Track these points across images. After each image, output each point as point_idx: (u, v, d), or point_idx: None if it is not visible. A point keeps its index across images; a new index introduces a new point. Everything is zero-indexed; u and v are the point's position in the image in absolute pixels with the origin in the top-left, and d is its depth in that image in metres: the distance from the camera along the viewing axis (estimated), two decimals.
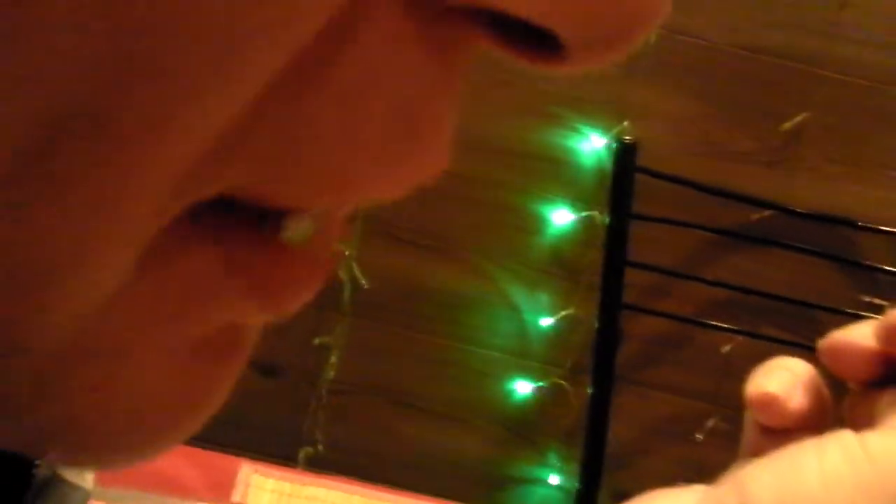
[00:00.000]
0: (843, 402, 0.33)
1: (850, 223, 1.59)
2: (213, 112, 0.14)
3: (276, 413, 1.80)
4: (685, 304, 1.71)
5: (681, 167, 1.64)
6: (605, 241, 1.40)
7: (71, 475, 0.41)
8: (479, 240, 1.75)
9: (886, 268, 1.51)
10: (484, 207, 1.72)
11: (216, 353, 0.18)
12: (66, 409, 0.16)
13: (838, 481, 0.27)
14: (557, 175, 1.71)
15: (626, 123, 1.68)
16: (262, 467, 0.85)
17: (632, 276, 1.43)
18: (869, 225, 1.52)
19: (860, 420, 0.31)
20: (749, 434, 0.33)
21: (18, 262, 0.14)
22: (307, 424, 1.83)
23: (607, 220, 1.40)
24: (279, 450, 1.79)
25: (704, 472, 0.32)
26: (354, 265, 1.72)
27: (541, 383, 1.81)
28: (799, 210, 1.56)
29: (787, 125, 1.68)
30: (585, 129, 1.69)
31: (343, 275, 1.70)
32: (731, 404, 1.76)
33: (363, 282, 1.74)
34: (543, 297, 1.77)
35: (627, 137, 1.38)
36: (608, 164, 1.61)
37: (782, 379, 0.32)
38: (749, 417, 0.33)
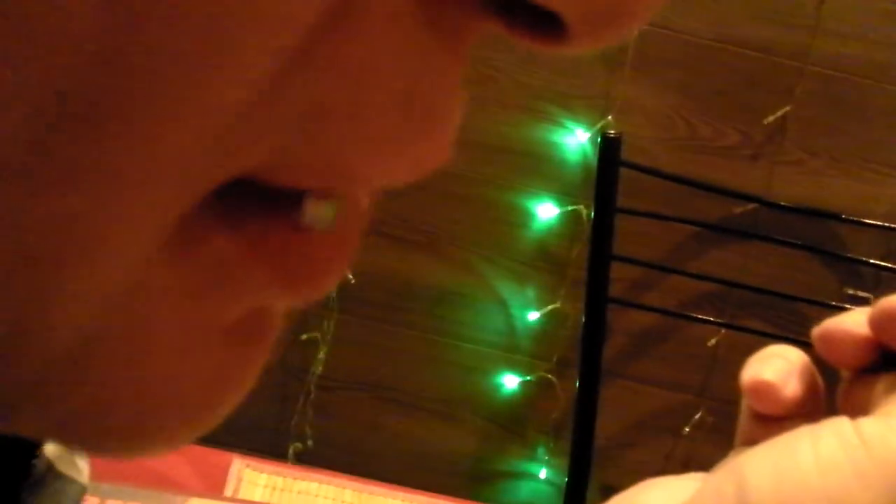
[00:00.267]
0: (836, 390, 0.33)
1: (833, 216, 1.61)
2: (225, 93, 0.14)
3: (264, 409, 1.80)
4: (671, 298, 1.72)
5: (665, 161, 1.65)
6: (591, 236, 1.40)
7: (67, 469, 0.41)
8: (466, 235, 1.75)
9: (869, 260, 1.52)
10: (470, 202, 1.73)
11: (243, 338, 0.18)
12: (95, 393, 0.16)
13: (834, 466, 0.27)
14: (542, 170, 1.72)
15: (610, 118, 1.68)
16: (254, 462, 0.85)
17: (617, 270, 1.44)
18: (852, 218, 1.53)
19: (854, 407, 0.31)
20: (744, 422, 0.33)
21: (37, 247, 0.14)
22: (296, 420, 1.83)
23: (592, 214, 1.40)
24: (268, 446, 1.79)
25: (692, 464, 0.32)
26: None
27: (528, 377, 1.81)
28: (782, 203, 1.57)
29: (770, 119, 1.69)
30: (570, 124, 1.70)
31: None
32: (718, 397, 1.77)
33: (350, 277, 1.74)
34: (530, 292, 1.78)
35: (612, 132, 1.38)
36: (593, 158, 1.61)
37: (777, 366, 0.32)
38: (744, 405, 0.33)
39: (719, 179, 1.62)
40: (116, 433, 0.17)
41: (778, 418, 0.32)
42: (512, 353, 1.81)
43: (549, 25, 0.17)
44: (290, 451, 1.82)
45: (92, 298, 0.15)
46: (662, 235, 1.71)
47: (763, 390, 0.32)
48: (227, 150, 0.15)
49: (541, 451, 1.85)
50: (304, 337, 1.77)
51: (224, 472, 0.83)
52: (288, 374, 1.80)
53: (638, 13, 0.16)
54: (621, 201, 1.38)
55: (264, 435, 1.81)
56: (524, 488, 1.86)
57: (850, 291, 1.71)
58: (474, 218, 1.74)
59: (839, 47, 1.66)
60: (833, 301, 1.44)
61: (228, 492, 0.81)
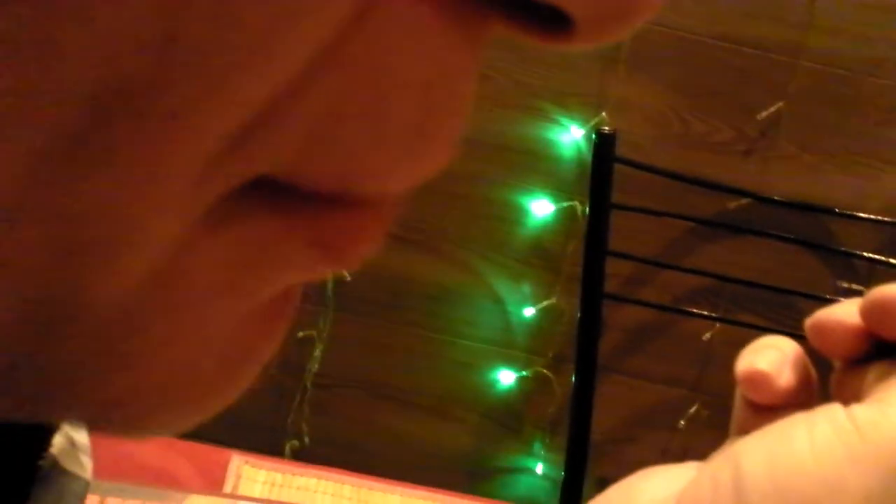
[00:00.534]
0: (828, 379, 0.34)
1: (826, 210, 1.61)
2: (261, 83, 0.14)
3: (261, 407, 1.80)
4: (665, 293, 1.73)
5: (659, 157, 1.65)
6: (586, 232, 1.41)
7: (71, 465, 0.41)
8: (461, 232, 1.76)
9: (863, 254, 1.53)
10: (465, 200, 1.73)
11: (273, 313, 0.19)
12: (131, 378, 0.16)
13: (828, 452, 0.28)
14: (537, 166, 1.72)
15: (604, 114, 1.69)
16: (252, 458, 0.85)
17: (612, 266, 1.44)
18: (845, 212, 1.54)
19: (846, 395, 0.31)
20: (739, 411, 0.34)
21: (75, 230, 0.14)
22: (292, 417, 1.83)
23: (587, 210, 1.41)
24: (265, 443, 1.79)
25: (688, 458, 0.33)
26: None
27: (524, 373, 1.82)
28: (776, 198, 1.57)
29: (764, 114, 1.69)
30: (564, 121, 1.70)
31: None
32: (713, 391, 1.78)
33: (346, 275, 1.74)
34: (526, 288, 1.78)
35: (606, 128, 1.39)
36: (587, 155, 1.62)
37: (771, 357, 0.32)
38: (739, 395, 0.34)
39: (713, 175, 1.63)
40: (150, 414, 0.17)
41: (772, 407, 0.32)
42: (508, 349, 1.81)
43: (555, 22, 0.17)
44: (287, 448, 1.83)
45: (132, 281, 0.15)
46: (657, 231, 1.71)
47: (757, 380, 0.32)
48: (249, 146, 0.15)
49: (537, 446, 1.85)
50: (300, 334, 1.78)
51: (223, 468, 0.83)
52: (284, 371, 1.80)
53: (644, 9, 0.17)
54: (616, 197, 1.38)
55: (261, 433, 1.81)
56: (521, 483, 1.87)
57: (844, 285, 1.72)
58: (470, 215, 1.75)
59: (832, 43, 1.67)
60: (827, 295, 1.45)
61: (227, 488, 0.82)
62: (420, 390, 1.84)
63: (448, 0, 0.16)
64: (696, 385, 1.81)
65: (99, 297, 0.15)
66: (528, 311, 1.79)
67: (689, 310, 1.62)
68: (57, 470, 0.39)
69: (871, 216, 1.54)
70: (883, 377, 0.30)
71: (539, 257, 1.77)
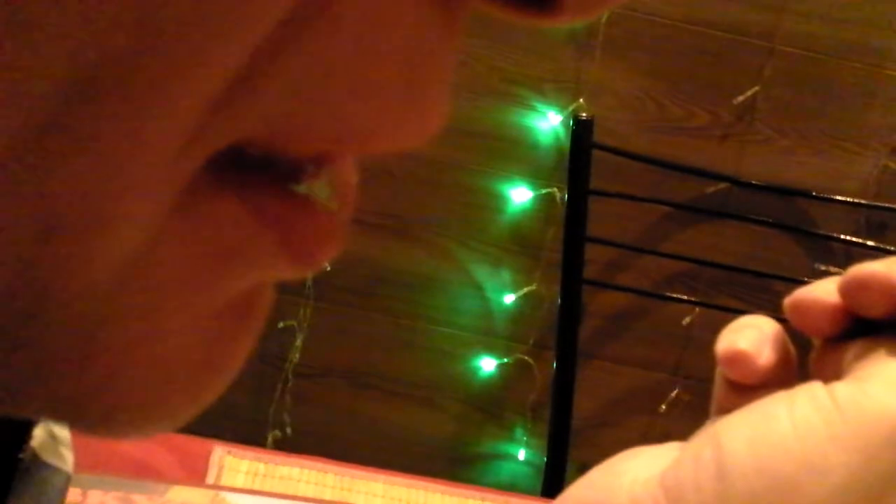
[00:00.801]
0: (808, 358, 0.34)
1: (803, 194, 1.62)
2: (234, 52, 0.14)
3: (242, 398, 1.80)
4: (645, 278, 1.74)
5: (636, 143, 1.66)
6: (565, 218, 1.41)
7: (51, 458, 0.41)
8: (440, 219, 1.76)
9: (839, 236, 1.54)
10: (444, 187, 1.73)
11: (246, 310, 0.19)
12: (109, 364, 0.16)
13: (809, 430, 0.28)
14: (515, 153, 1.72)
15: (581, 101, 1.69)
16: (235, 449, 0.85)
17: (592, 252, 1.45)
18: (822, 195, 1.55)
19: (826, 373, 0.32)
20: (719, 391, 0.34)
21: (51, 214, 0.14)
22: (274, 408, 1.83)
23: (566, 196, 1.41)
24: (247, 434, 1.79)
25: (669, 442, 0.33)
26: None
27: (505, 360, 1.82)
28: (753, 182, 1.58)
29: (740, 99, 1.70)
30: (542, 107, 1.70)
31: None
32: (693, 375, 1.79)
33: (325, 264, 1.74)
34: (505, 275, 1.78)
35: (583, 114, 1.39)
36: (565, 141, 1.62)
37: (751, 336, 0.33)
38: (719, 375, 0.34)
39: (690, 160, 1.64)
40: (127, 408, 0.17)
41: (752, 387, 0.32)
42: (488, 337, 1.82)
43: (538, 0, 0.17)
44: (269, 439, 1.83)
45: (109, 268, 0.15)
46: (635, 216, 1.72)
47: (738, 359, 0.32)
48: (225, 114, 0.15)
49: (519, 432, 1.86)
50: (280, 325, 1.77)
51: (205, 459, 0.83)
52: (265, 362, 1.80)
53: None
54: (594, 183, 1.39)
55: (242, 424, 1.81)
56: (503, 470, 1.87)
57: (822, 268, 1.73)
58: (448, 203, 1.75)
59: (807, 27, 1.68)
60: (804, 277, 1.46)
61: (210, 479, 0.81)
62: (401, 378, 1.84)
63: None
64: (676, 369, 1.82)
65: (74, 284, 0.15)
66: (508, 298, 1.79)
67: (669, 294, 1.63)
68: (37, 463, 0.39)
69: (847, 199, 1.55)
70: (862, 355, 0.31)
71: (518, 244, 1.77)
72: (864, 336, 0.32)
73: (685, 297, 1.64)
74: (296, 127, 0.16)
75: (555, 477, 1.48)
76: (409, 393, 1.85)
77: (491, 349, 1.82)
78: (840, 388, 0.29)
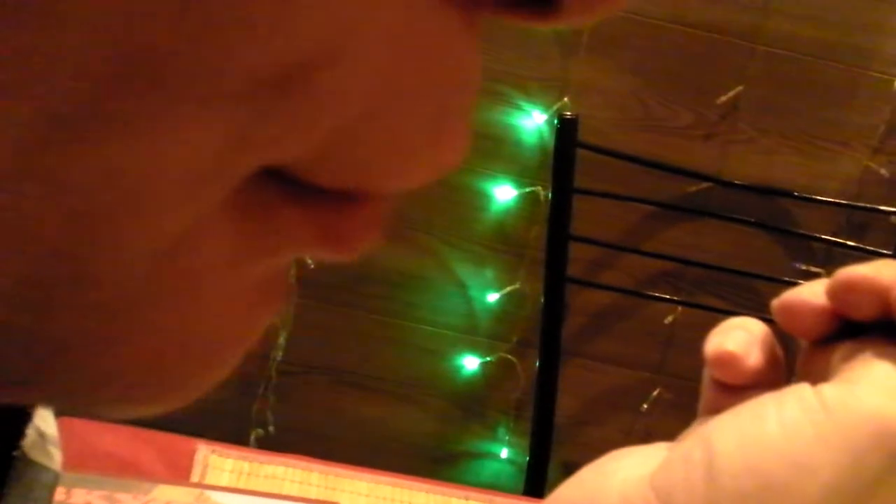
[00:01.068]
0: (796, 360, 0.34)
1: (785, 194, 1.63)
2: (268, 60, 0.14)
3: (225, 396, 1.80)
4: (628, 277, 1.74)
5: (620, 142, 1.66)
6: (549, 217, 1.41)
7: (39, 457, 0.41)
8: (424, 218, 1.76)
9: (821, 236, 1.55)
10: (429, 186, 1.73)
11: (270, 291, 0.19)
12: (129, 349, 0.16)
13: (797, 431, 0.28)
14: (500, 152, 1.72)
15: (566, 100, 1.69)
16: (219, 448, 0.85)
17: (575, 251, 1.45)
18: (804, 195, 1.55)
19: (813, 375, 0.32)
20: (707, 392, 0.34)
21: (83, 199, 0.14)
22: (257, 406, 1.83)
23: (550, 195, 1.41)
24: (230, 432, 1.78)
25: (651, 440, 0.33)
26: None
27: (488, 358, 1.82)
28: (735, 182, 1.59)
29: (723, 99, 1.71)
30: (527, 107, 1.71)
31: None
32: (675, 374, 1.80)
33: (309, 261, 1.74)
34: (489, 273, 1.79)
35: (568, 113, 1.39)
36: (550, 140, 1.62)
37: (739, 337, 0.33)
38: (707, 375, 0.34)
39: (674, 159, 1.64)
40: (141, 387, 0.17)
41: (740, 388, 0.33)
42: (472, 335, 1.82)
43: (540, 2, 0.17)
44: (252, 437, 1.82)
45: (140, 254, 0.15)
46: (619, 215, 1.73)
47: (726, 360, 0.33)
48: (268, 129, 0.15)
49: (502, 430, 1.86)
50: None
51: (189, 458, 0.83)
52: (248, 360, 1.79)
53: None
54: (578, 182, 1.39)
55: (225, 422, 1.80)
56: (486, 468, 1.88)
57: (802, 267, 1.74)
58: (433, 201, 1.75)
59: (790, 27, 1.69)
60: (786, 277, 1.46)
61: (195, 478, 0.81)
62: (385, 376, 1.84)
63: None
64: (659, 368, 1.82)
65: (103, 268, 0.15)
66: (492, 297, 1.79)
67: (652, 293, 1.63)
68: (26, 462, 0.38)
69: (829, 199, 1.56)
70: (849, 357, 0.31)
71: (502, 242, 1.77)
72: (851, 338, 0.32)
73: (668, 296, 1.64)
74: (333, 163, 0.16)
75: (537, 475, 1.48)
76: (392, 391, 1.85)
77: (474, 347, 1.82)
78: (827, 389, 0.29)
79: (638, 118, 1.72)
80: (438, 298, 1.80)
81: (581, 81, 1.69)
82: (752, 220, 1.51)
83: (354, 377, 1.84)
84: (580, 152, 1.39)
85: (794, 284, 0.34)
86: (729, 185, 1.59)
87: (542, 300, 1.45)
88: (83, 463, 0.76)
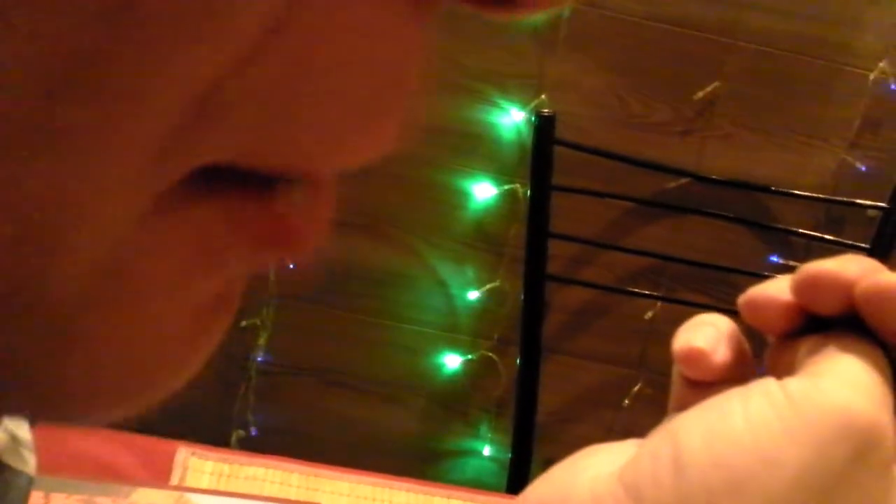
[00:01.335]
0: (763, 355, 0.35)
1: (763, 188, 1.64)
2: (207, 60, 0.14)
3: (206, 397, 1.79)
4: (608, 273, 1.75)
5: (598, 138, 1.66)
6: (528, 214, 1.42)
7: (13, 461, 0.41)
8: (404, 216, 1.76)
9: (799, 230, 1.56)
10: (407, 184, 1.73)
11: (215, 307, 0.19)
12: (83, 361, 0.16)
13: (763, 424, 0.28)
14: (478, 150, 1.73)
15: (544, 97, 1.70)
16: (199, 450, 0.85)
17: (555, 248, 1.45)
18: (781, 190, 1.56)
19: (780, 369, 0.32)
20: (676, 388, 0.34)
21: (33, 215, 0.14)
22: (238, 408, 1.82)
23: (529, 192, 1.42)
24: (211, 434, 1.78)
25: (633, 436, 0.33)
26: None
27: (470, 356, 1.83)
28: (713, 177, 1.60)
29: (700, 94, 1.71)
30: (504, 104, 1.71)
31: None
32: (656, 369, 1.81)
33: (288, 262, 1.73)
34: (469, 271, 1.79)
35: (546, 111, 1.40)
36: (528, 137, 1.62)
37: (707, 333, 0.33)
38: (676, 372, 0.34)
39: (652, 155, 1.65)
40: (101, 398, 0.17)
41: (708, 383, 0.33)
42: (453, 333, 1.82)
43: None
44: (233, 438, 1.82)
45: (83, 268, 0.15)
46: (598, 212, 1.73)
47: (694, 357, 0.33)
48: (203, 129, 0.15)
49: (484, 428, 1.87)
50: (243, 323, 1.77)
51: (169, 460, 0.83)
52: (229, 361, 1.79)
53: None
54: (557, 179, 1.39)
55: (206, 423, 1.80)
56: (469, 466, 1.88)
57: (782, 261, 1.75)
58: (412, 199, 1.75)
59: (766, 22, 1.69)
60: (766, 272, 1.47)
61: (174, 480, 0.81)
62: (366, 376, 1.84)
63: None
64: (640, 363, 1.83)
65: (49, 283, 0.15)
66: (472, 294, 1.79)
67: (632, 289, 1.64)
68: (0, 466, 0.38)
69: (807, 193, 1.57)
70: (815, 350, 0.31)
71: (482, 240, 1.77)
72: (818, 332, 0.32)
73: (647, 292, 1.65)
74: (267, 145, 0.16)
75: (520, 472, 1.49)
76: (373, 390, 1.85)
77: (455, 345, 1.82)
78: (793, 383, 0.30)
79: (616, 115, 1.72)
80: (419, 297, 1.80)
81: (559, 78, 1.70)
82: (731, 215, 1.52)
83: (336, 376, 1.84)
84: (558, 149, 1.39)
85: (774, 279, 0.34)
86: (707, 180, 1.60)
87: (523, 297, 1.45)
88: (61, 467, 0.75)
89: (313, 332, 1.81)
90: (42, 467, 0.43)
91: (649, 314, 1.77)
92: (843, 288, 0.31)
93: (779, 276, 0.33)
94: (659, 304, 1.75)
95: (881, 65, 1.69)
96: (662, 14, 1.68)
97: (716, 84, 1.71)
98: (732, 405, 0.29)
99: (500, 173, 1.73)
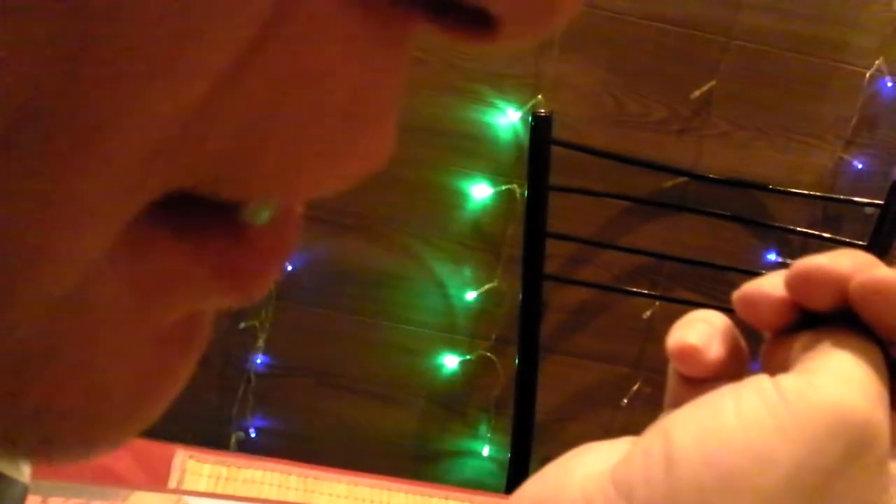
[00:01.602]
0: (758, 351, 0.34)
1: (760, 187, 1.64)
2: (164, 107, 0.14)
3: (205, 399, 1.79)
4: (605, 273, 1.75)
5: (595, 138, 1.66)
6: (525, 214, 1.42)
7: (7, 470, 0.41)
8: (401, 217, 1.76)
9: (796, 228, 1.56)
10: (405, 185, 1.73)
11: (181, 339, 0.19)
12: (45, 396, 0.16)
13: (756, 422, 0.28)
14: (475, 150, 1.73)
15: (540, 97, 1.70)
16: (197, 453, 0.85)
17: (552, 247, 1.45)
18: (778, 188, 1.56)
19: (775, 366, 0.32)
20: (672, 385, 0.34)
21: None
22: (237, 409, 1.82)
23: (526, 192, 1.41)
24: (210, 436, 1.78)
25: (631, 435, 0.33)
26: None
27: (468, 357, 1.82)
28: (711, 176, 1.60)
29: (696, 93, 1.71)
30: (501, 104, 1.71)
31: None
32: (654, 368, 1.81)
33: (287, 263, 1.73)
34: (467, 272, 1.79)
35: (542, 111, 1.40)
36: (524, 137, 1.63)
37: (701, 330, 0.33)
38: (671, 369, 0.34)
39: (649, 154, 1.65)
40: (63, 436, 0.17)
41: (703, 380, 0.32)
42: (451, 334, 1.82)
43: (480, 21, 0.17)
44: (233, 440, 1.82)
45: (42, 302, 0.15)
46: (595, 211, 1.73)
47: (687, 353, 0.32)
48: (165, 164, 0.15)
49: (483, 428, 1.87)
50: (242, 325, 1.77)
51: (167, 464, 0.83)
52: (228, 363, 1.79)
53: (564, 8, 0.17)
54: (554, 179, 1.39)
55: (206, 425, 1.80)
56: (468, 466, 1.88)
57: (779, 259, 1.75)
58: (409, 200, 1.75)
59: (762, 21, 1.69)
60: (763, 270, 1.47)
61: (172, 483, 0.81)
62: (364, 377, 1.84)
63: (371, 8, 0.16)
64: (638, 362, 1.83)
65: (8, 319, 0.15)
66: (470, 295, 1.79)
67: (629, 288, 1.64)
68: None
69: (804, 191, 1.57)
70: (809, 347, 0.31)
71: (479, 241, 1.77)
72: (812, 328, 0.32)
73: (645, 291, 1.65)
74: (234, 179, 0.16)
75: (519, 472, 1.49)
76: (372, 391, 1.85)
77: (453, 346, 1.82)
78: (786, 380, 0.29)
79: (612, 114, 1.72)
80: (417, 297, 1.80)
81: (555, 78, 1.70)
82: (728, 213, 1.52)
83: (335, 378, 1.84)
84: (555, 149, 1.39)
85: None
86: (704, 179, 1.60)
87: (520, 297, 1.45)
88: (59, 471, 0.75)
89: (312, 334, 1.81)
90: (39, 471, 0.43)
91: (647, 313, 1.77)
92: (837, 283, 0.31)
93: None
94: (657, 303, 1.75)
95: (877, 63, 1.70)
96: (658, 13, 1.68)
97: (712, 83, 1.71)
98: (725, 402, 0.29)
99: (497, 173, 1.73)
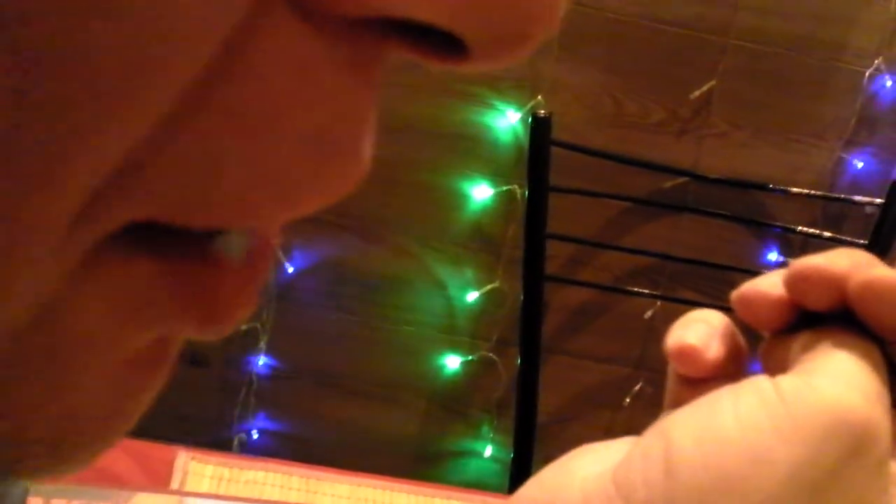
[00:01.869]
0: (758, 350, 0.34)
1: (760, 186, 1.64)
2: (113, 137, 0.14)
3: (207, 402, 1.79)
4: (606, 273, 1.75)
5: (595, 139, 1.67)
6: (525, 215, 1.42)
7: None
8: (402, 219, 1.76)
9: (796, 228, 1.56)
10: (405, 187, 1.73)
11: (147, 365, 0.19)
12: (14, 417, 0.16)
13: (754, 423, 0.28)
14: (475, 152, 1.73)
15: (539, 98, 1.70)
16: (199, 454, 0.85)
17: (553, 248, 1.45)
18: (778, 187, 1.56)
19: (774, 366, 0.32)
20: (671, 386, 0.34)
21: None
22: (239, 411, 1.82)
23: (526, 193, 1.42)
24: (213, 438, 1.78)
25: (632, 435, 0.33)
26: (278, 250, 1.71)
27: (470, 357, 1.83)
28: (710, 176, 1.60)
29: (696, 94, 1.71)
30: (501, 106, 1.71)
31: None
32: (656, 368, 1.81)
33: (288, 266, 1.74)
34: (468, 273, 1.79)
35: (542, 112, 1.40)
36: (524, 138, 1.63)
37: (699, 330, 0.33)
38: (671, 369, 0.34)
39: (648, 155, 1.65)
40: (34, 459, 0.17)
41: (702, 380, 0.32)
42: (452, 335, 1.82)
43: (452, 46, 0.17)
44: (235, 441, 1.82)
45: (7, 331, 0.15)
46: (595, 212, 1.73)
47: (686, 353, 0.32)
48: (121, 194, 0.15)
49: (485, 429, 1.87)
50: (243, 327, 1.77)
51: (169, 465, 0.83)
52: (230, 365, 1.79)
53: (537, 33, 0.17)
54: (554, 180, 1.39)
55: (208, 427, 1.80)
56: (470, 467, 1.88)
57: (780, 259, 1.75)
58: (410, 202, 1.75)
59: (760, 21, 1.70)
60: (764, 270, 1.47)
61: (174, 485, 0.81)
62: (366, 378, 1.84)
63: (337, 35, 0.16)
64: (640, 363, 1.83)
65: None
66: (471, 296, 1.79)
67: (630, 289, 1.64)
68: None
69: (804, 191, 1.57)
70: (808, 347, 0.31)
71: (480, 242, 1.77)
72: (811, 327, 0.32)
73: (646, 291, 1.65)
74: (198, 209, 0.16)
75: (521, 472, 1.49)
76: (374, 392, 1.85)
77: (455, 347, 1.82)
78: (785, 380, 0.29)
79: (611, 115, 1.72)
80: (418, 299, 1.80)
81: (554, 80, 1.70)
82: (728, 213, 1.52)
83: (337, 379, 1.84)
84: (555, 150, 1.39)
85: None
86: (704, 179, 1.60)
87: (522, 298, 1.45)
88: None
89: (313, 335, 1.81)
90: None
91: (648, 313, 1.77)
92: (835, 283, 0.30)
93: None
94: (658, 303, 1.75)
95: (876, 62, 1.70)
96: (657, 14, 1.68)
97: (711, 83, 1.71)
98: (723, 404, 0.29)
99: (498, 175, 1.74)
